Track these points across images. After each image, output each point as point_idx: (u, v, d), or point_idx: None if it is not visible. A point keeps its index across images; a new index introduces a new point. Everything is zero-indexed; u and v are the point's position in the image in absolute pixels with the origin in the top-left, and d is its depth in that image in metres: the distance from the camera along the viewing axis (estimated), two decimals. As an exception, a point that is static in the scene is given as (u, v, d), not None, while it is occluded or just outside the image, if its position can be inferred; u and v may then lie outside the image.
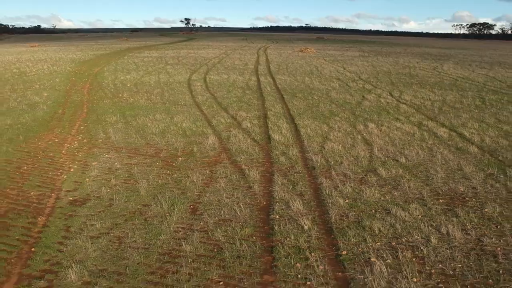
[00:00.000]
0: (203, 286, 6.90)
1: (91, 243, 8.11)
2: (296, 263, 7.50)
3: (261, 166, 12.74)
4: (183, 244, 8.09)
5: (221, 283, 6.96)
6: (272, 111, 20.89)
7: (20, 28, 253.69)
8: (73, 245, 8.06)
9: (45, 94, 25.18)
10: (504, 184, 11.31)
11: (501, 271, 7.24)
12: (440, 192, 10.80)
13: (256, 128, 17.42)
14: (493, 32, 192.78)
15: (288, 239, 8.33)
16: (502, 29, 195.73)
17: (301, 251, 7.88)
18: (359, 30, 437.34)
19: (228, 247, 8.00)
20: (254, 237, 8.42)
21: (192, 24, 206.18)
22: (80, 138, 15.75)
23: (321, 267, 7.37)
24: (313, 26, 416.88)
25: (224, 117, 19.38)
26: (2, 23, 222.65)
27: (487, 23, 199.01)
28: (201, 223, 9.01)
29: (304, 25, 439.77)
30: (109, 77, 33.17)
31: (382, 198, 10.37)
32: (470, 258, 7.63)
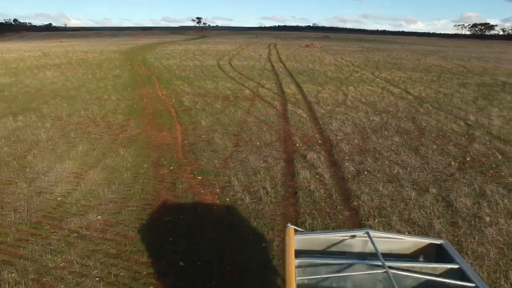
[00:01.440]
0: (258, 128, 16.37)
1: (205, 118, 17.65)
2: (299, 125, 17.00)
3: (279, 101, 22.27)
4: (247, 121, 17.61)
5: (266, 128, 16.44)
6: (284, 80, 30.40)
7: (34, 26, 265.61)
8: (195, 120, 17.59)
9: (118, 71, 34.89)
10: (417, 108, 20.75)
11: (389, 124, 16.72)
12: (378, 110, 20.26)
13: (274, 87, 26.95)
14: (495, 32, 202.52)
15: (295, 120, 17.84)
16: (503, 29, 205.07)
17: (302, 123, 17.38)
18: (366, 30, 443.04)
19: (268, 121, 17.52)
20: (279, 121, 17.93)
21: (203, 23, 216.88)
22: (165, 91, 25.36)
23: (309, 124, 16.89)
24: (320, 25, 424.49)
25: (251, 83, 28.92)
26: (20, 21, 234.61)
27: (489, 24, 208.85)
28: (252, 116, 18.52)
29: (311, 25, 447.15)
30: (155, 62, 42.87)
31: (344, 111, 19.85)
32: (383, 119, 17.11)
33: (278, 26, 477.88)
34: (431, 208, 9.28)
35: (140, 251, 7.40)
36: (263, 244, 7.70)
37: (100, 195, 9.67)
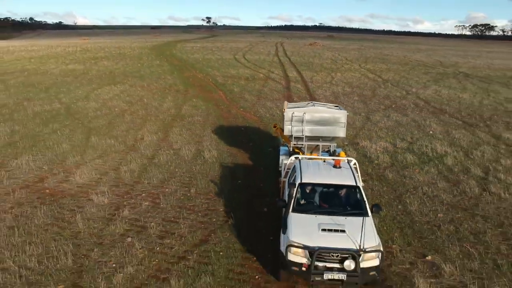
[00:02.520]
0: (271, 93, 26.12)
1: (236, 88, 27.43)
2: (296, 92, 26.71)
3: (284, 81, 32.02)
4: (263, 90, 27.36)
5: (275, 92, 26.18)
6: (288, 69, 40.14)
7: (48, 24, 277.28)
8: (230, 89, 27.36)
9: (158, 62, 44.79)
10: (379, 85, 30.41)
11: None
12: (351, 86, 29.91)
13: (281, 73, 36.69)
14: (495, 33, 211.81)
15: (295, 90, 27.61)
16: (503, 30, 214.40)
17: (299, 91, 27.11)
18: (372, 30, 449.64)
19: (277, 90, 27.29)
20: (284, 90, 27.68)
21: (213, 23, 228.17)
22: (201, 75, 35.11)
23: (303, 92, 26.62)
24: (327, 25, 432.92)
25: (263, 70, 38.68)
26: (36, 19, 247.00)
27: (489, 24, 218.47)
28: (266, 88, 28.25)
29: (318, 24, 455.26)
30: (183, 56, 52.79)
31: (328, 87, 29.53)
32: (353, 90, 26.84)
33: (285, 25, 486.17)
34: (359, 120, 18.99)
35: (220, 130, 17.18)
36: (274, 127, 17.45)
37: (194, 113, 19.51)
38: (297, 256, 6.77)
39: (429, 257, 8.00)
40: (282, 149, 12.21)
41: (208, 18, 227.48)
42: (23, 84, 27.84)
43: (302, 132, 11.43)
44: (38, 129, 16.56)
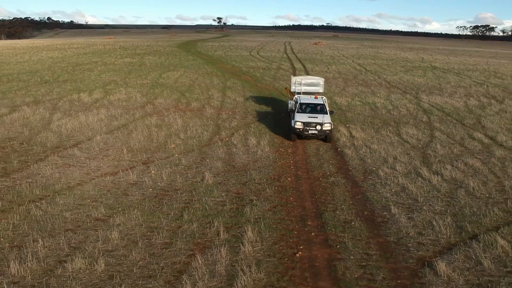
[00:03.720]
0: (282, 76, 38.26)
1: (257, 74, 39.60)
2: (301, 75, 38.89)
3: (292, 70, 44.14)
4: (277, 75, 39.52)
5: (286, 75, 38.33)
6: (295, 63, 52.25)
7: (65, 23, 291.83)
8: (253, 74, 39.54)
9: (191, 57, 57.06)
10: (361, 73, 42.46)
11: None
12: (340, 73, 41.96)
13: (289, 66, 48.83)
14: (495, 34, 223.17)
15: (299, 74, 39.72)
16: (503, 31, 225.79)
17: (292, 64, 39.26)
18: (379, 30, 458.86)
19: (286, 74, 39.44)
20: (286, 63, 39.82)
21: (224, 23, 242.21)
22: (228, 66, 47.29)
23: (303, 73, 38.82)
24: (334, 25, 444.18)
25: (275, 64, 50.85)
26: (53, 18, 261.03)
27: (489, 26, 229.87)
28: (279, 74, 40.41)
29: (325, 24, 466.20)
30: (208, 53, 65.11)
31: (324, 74, 41.61)
32: (341, 76, 38.94)
33: (293, 25, 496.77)
34: (338, 90, 31.05)
35: (254, 93, 29.35)
36: (285, 89, 29.59)
37: (235, 85, 31.71)
38: (298, 125, 18.53)
39: (348, 125, 20.05)
40: (289, 102, 24.21)
41: (219, 18, 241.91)
42: (114, 70, 40.17)
43: (301, 90, 23.40)
44: (150, 91, 28.75)
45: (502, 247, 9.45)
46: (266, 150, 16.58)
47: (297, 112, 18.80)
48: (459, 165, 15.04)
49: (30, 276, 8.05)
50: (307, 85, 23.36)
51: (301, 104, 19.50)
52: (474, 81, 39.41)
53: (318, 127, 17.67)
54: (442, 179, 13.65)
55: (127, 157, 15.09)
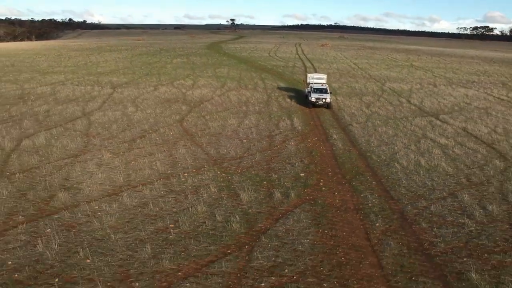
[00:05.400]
0: (298, 70, 56.52)
1: (280, 70, 57.92)
2: (310, 70, 57.17)
3: (304, 67, 62.39)
4: (294, 70, 57.82)
5: (300, 70, 56.61)
6: (305, 62, 70.45)
7: (87, 23, 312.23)
8: (277, 71, 57.88)
9: (225, 58, 75.42)
10: (352, 68, 60.70)
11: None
12: (337, 70, 60.17)
13: (301, 64, 67.11)
14: (494, 34, 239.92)
15: (310, 70, 58.03)
16: (502, 31, 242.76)
17: (310, 70, 57.52)
18: (386, 30, 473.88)
19: (300, 70, 57.69)
20: (303, 70, 58.07)
21: (236, 24, 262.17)
22: (257, 64, 65.59)
23: (313, 70, 57.09)
24: (341, 24, 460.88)
25: (290, 62, 69.16)
26: (74, 20, 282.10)
27: (488, 26, 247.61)
28: (295, 69, 58.67)
29: (333, 24, 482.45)
30: (235, 54, 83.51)
31: (327, 70, 59.81)
32: (339, 71, 57.27)
33: (301, 24, 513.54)
34: (333, 77, 49.32)
35: (282, 81, 47.74)
36: (303, 81, 47.87)
37: (268, 77, 50.11)
38: (313, 99, 36.32)
39: (337, 97, 38.27)
40: (306, 89, 41.97)
41: (232, 20, 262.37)
42: (178, 67, 58.46)
43: (312, 81, 41.42)
44: (218, 80, 46.96)
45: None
46: (296, 104, 34.87)
47: (312, 93, 36.56)
48: (382, 105, 33.20)
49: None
50: (316, 78, 41.40)
51: (314, 88, 37.32)
52: (433, 75, 57.35)
53: (323, 100, 35.56)
54: (370, 111, 31.80)
55: (235, 105, 33.54)
